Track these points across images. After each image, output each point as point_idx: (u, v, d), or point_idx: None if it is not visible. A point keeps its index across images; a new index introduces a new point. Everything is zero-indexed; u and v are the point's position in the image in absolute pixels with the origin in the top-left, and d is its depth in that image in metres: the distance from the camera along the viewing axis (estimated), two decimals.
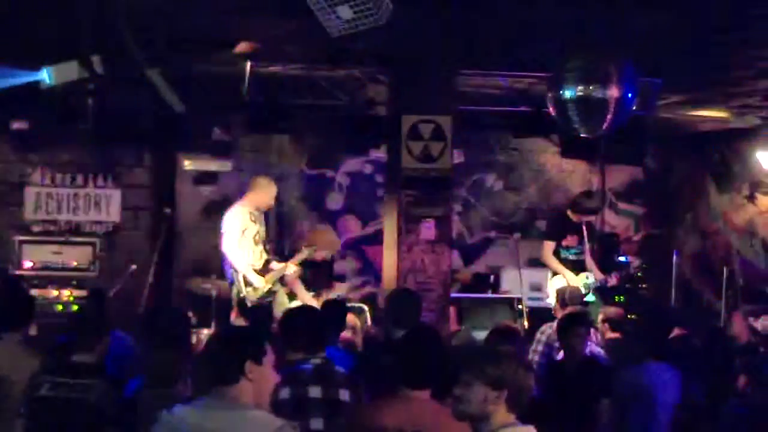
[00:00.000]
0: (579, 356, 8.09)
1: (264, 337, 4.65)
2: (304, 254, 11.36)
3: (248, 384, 4.36)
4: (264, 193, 11.31)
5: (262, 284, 10.89)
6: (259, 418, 4.37)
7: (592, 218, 12.52)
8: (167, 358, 6.29)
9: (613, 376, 7.86)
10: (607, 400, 7.66)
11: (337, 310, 8.53)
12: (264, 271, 11.08)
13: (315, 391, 5.95)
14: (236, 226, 10.97)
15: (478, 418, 4.24)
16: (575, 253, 12.10)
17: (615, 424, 7.60)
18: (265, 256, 11.16)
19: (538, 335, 10.15)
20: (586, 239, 12.12)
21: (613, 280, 12.19)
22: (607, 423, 7.66)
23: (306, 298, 11.32)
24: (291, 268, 11.24)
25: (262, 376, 4.43)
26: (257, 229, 11.09)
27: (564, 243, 12.11)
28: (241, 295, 10.95)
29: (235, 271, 10.95)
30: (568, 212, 12.27)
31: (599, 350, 9.20)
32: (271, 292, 11.14)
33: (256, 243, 11.04)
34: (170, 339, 6.66)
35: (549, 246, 12.18)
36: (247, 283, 10.92)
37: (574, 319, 8.57)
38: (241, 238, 10.92)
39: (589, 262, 12.21)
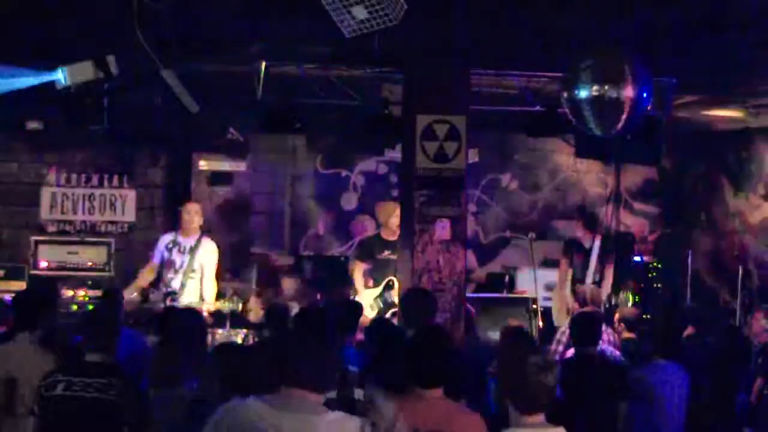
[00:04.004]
0: (590, 357, 8.03)
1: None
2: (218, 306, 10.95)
3: None
4: (180, 215, 11.33)
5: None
6: (339, 419, 4.29)
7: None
8: (178, 358, 6.29)
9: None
10: (625, 402, 7.63)
11: (352, 310, 8.53)
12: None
13: (329, 392, 5.95)
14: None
15: None
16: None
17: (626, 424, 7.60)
18: (174, 286, 10.91)
19: (558, 335, 10.14)
20: (593, 256, 12.04)
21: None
22: (624, 426, 7.64)
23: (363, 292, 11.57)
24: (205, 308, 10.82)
25: None
26: (169, 256, 11.02)
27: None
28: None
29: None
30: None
31: (612, 350, 9.16)
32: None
33: (167, 270, 10.97)
34: (184, 338, 6.68)
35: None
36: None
37: (582, 320, 8.53)
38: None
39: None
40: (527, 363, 4.24)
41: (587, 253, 11.95)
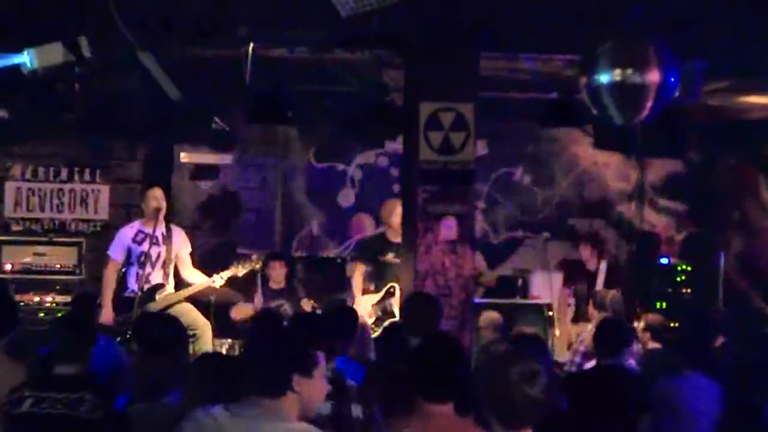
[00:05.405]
0: (608, 369, 8.01)
1: (314, 345, 4.62)
2: (233, 271, 11.26)
3: (294, 396, 4.38)
4: (144, 204, 11.30)
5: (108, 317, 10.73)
6: (297, 429, 4.37)
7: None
8: (159, 368, 6.28)
9: (648, 388, 7.83)
10: (647, 415, 7.63)
11: (346, 317, 8.50)
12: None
13: (325, 408, 5.94)
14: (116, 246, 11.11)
15: None
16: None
17: None
18: (154, 280, 10.99)
19: (575, 344, 10.13)
20: (598, 281, 12.03)
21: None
22: None
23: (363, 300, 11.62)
24: (218, 282, 11.18)
25: (312, 389, 4.46)
26: (142, 250, 10.97)
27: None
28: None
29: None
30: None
31: (630, 361, 9.15)
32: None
33: (142, 265, 10.88)
34: (163, 347, 6.66)
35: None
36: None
37: (604, 328, 8.50)
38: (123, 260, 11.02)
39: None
40: (509, 372, 4.19)
41: (592, 277, 11.95)
